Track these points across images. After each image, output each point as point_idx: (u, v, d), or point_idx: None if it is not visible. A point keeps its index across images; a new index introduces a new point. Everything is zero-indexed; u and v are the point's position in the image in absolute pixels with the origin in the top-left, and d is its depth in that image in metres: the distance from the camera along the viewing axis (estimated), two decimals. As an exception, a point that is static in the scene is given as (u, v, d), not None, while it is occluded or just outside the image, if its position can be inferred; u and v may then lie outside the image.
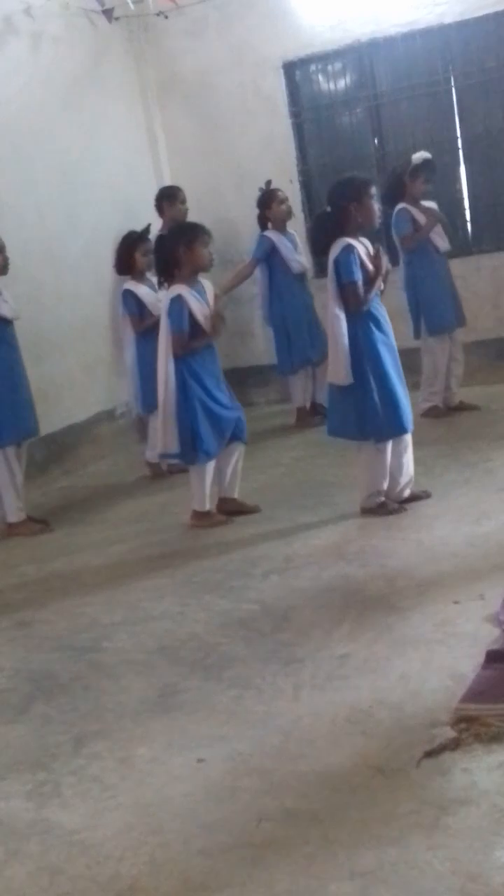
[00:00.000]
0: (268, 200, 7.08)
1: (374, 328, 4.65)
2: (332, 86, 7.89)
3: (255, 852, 2.40)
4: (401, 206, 6.45)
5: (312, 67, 7.86)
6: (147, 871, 2.40)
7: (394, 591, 3.88)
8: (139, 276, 6.42)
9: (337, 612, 3.77)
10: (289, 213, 7.08)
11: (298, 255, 7.06)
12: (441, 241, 6.49)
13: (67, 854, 2.53)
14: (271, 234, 7.04)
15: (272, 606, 3.93)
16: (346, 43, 7.55)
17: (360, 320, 4.63)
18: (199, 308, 4.89)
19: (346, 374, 4.61)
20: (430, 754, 2.68)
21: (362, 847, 2.36)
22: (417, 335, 6.47)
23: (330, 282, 4.63)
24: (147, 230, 6.56)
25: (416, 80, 7.50)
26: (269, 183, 7.14)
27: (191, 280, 4.91)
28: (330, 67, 7.83)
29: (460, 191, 7.57)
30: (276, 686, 3.24)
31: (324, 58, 7.74)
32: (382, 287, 4.71)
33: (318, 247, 4.83)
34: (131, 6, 6.71)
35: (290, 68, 7.84)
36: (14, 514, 5.46)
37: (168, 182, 7.91)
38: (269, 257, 6.99)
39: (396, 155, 7.65)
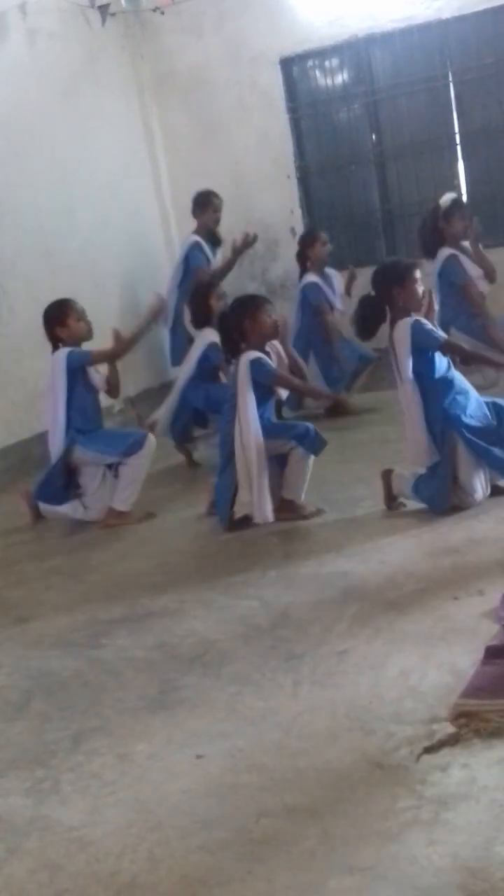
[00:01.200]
0: (311, 241, 7.04)
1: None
2: (329, 81, 7.88)
3: (255, 848, 2.40)
4: (448, 253, 6.35)
5: (310, 63, 7.86)
6: (147, 867, 2.40)
7: (393, 588, 3.88)
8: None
9: (336, 608, 3.76)
10: (329, 257, 7.03)
11: (336, 297, 7.08)
12: (483, 284, 6.43)
13: (67, 851, 2.52)
14: (315, 278, 7.01)
15: (271, 603, 3.93)
16: (344, 38, 7.56)
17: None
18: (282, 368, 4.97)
19: (429, 454, 4.56)
20: (429, 750, 2.68)
21: (362, 842, 2.35)
22: None
23: (402, 362, 4.53)
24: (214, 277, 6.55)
25: (413, 76, 7.50)
26: (309, 225, 7.15)
27: (260, 348, 4.90)
28: (327, 63, 7.83)
29: (458, 186, 7.57)
30: (275, 682, 3.23)
31: (321, 53, 7.75)
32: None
33: (366, 331, 4.72)
34: (123, 3, 6.70)
35: (288, 64, 7.84)
36: (126, 506, 5.40)
37: (165, 179, 7.91)
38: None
39: (394, 151, 7.66)
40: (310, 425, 4.92)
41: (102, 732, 3.10)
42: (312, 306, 6.93)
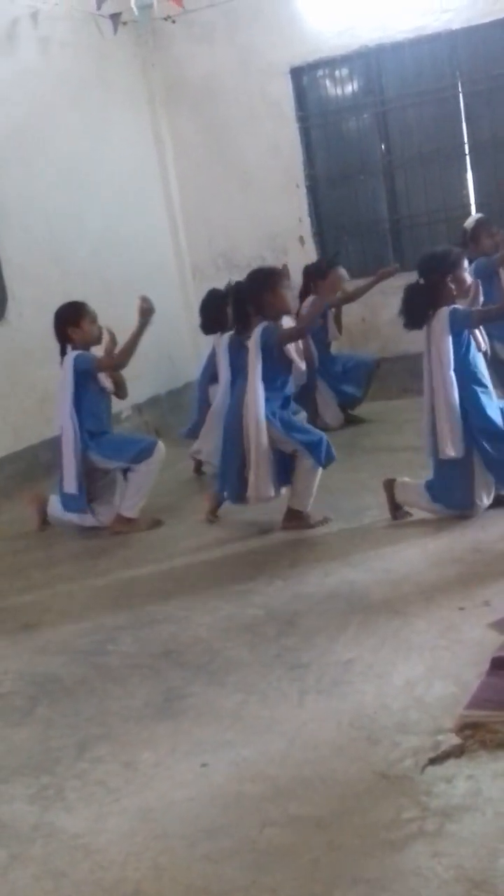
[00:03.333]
0: (325, 272, 7.04)
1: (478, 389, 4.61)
2: (339, 91, 7.91)
3: (259, 858, 2.40)
4: (481, 259, 6.28)
5: (319, 73, 7.89)
6: (151, 875, 2.40)
7: (399, 597, 3.87)
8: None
9: (342, 617, 3.76)
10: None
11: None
12: None
13: (71, 858, 2.52)
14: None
15: (277, 611, 3.93)
16: (354, 48, 7.58)
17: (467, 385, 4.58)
18: (293, 346, 4.87)
19: (460, 446, 4.53)
20: (434, 761, 2.67)
21: (366, 854, 2.35)
22: None
23: (441, 348, 4.53)
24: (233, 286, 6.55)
25: (423, 87, 7.52)
26: (332, 259, 7.22)
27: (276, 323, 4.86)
28: (337, 73, 7.86)
29: (467, 196, 7.58)
30: (280, 691, 3.23)
31: (331, 63, 7.77)
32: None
33: (414, 319, 4.65)
34: (135, 12, 6.73)
35: (298, 73, 7.87)
36: (133, 512, 5.41)
37: (175, 187, 7.93)
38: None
39: (403, 161, 7.67)
40: (323, 436, 4.90)
41: (107, 740, 3.10)
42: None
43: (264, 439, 4.76)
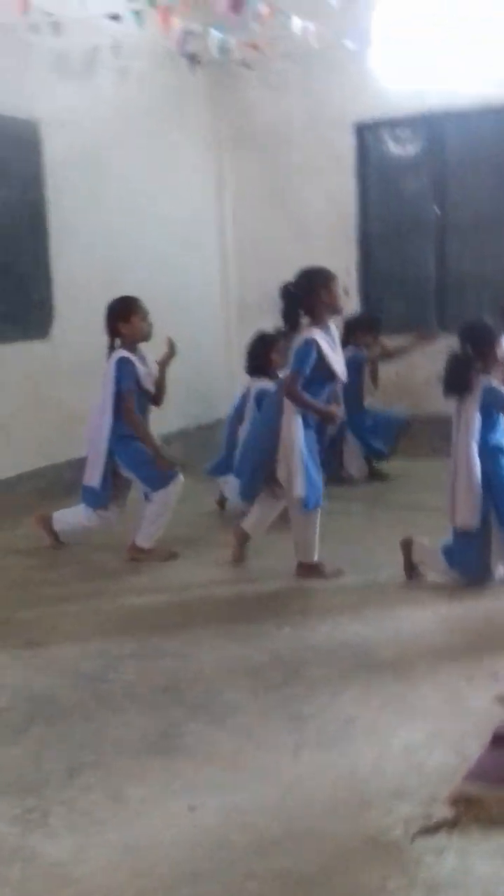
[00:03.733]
0: (373, 329, 7.17)
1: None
2: (400, 150, 7.99)
3: (239, 909, 2.36)
4: None
5: (384, 131, 7.99)
6: (127, 913, 2.36)
7: (406, 659, 3.83)
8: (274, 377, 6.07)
9: (347, 672, 3.72)
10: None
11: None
12: None
13: (48, 885, 2.49)
14: (358, 356, 7.12)
15: (283, 658, 3.89)
16: (420, 111, 7.67)
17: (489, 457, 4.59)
18: (332, 353, 4.82)
19: (477, 517, 4.53)
20: (426, 831, 2.62)
21: (348, 918, 2.30)
22: None
23: (470, 418, 4.56)
24: (280, 332, 6.61)
25: (483, 155, 7.59)
26: (373, 319, 7.34)
27: (323, 325, 4.84)
28: (401, 132, 7.95)
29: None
30: (279, 741, 3.20)
31: (396, 123, 7.88)
32: None
33: (457, 388, 4.63)
34: (214, 53, 6.87)
35: (362, 129, 7.97)
36: (148, 542, 5.39)
37: (230, 228, 8.02)
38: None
39: (457, 226, 7.72)
40: (318, 483, 4.84)
41: (99, 768, 3.07)
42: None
43: (300, 441, 4.73)
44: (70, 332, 6.68)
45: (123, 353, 5.31)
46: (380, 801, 2.79)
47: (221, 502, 6.37)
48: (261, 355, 6.12)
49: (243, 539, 5.17)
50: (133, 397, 5.29)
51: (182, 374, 7.26)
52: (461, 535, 4.60)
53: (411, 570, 4.76)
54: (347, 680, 3.65)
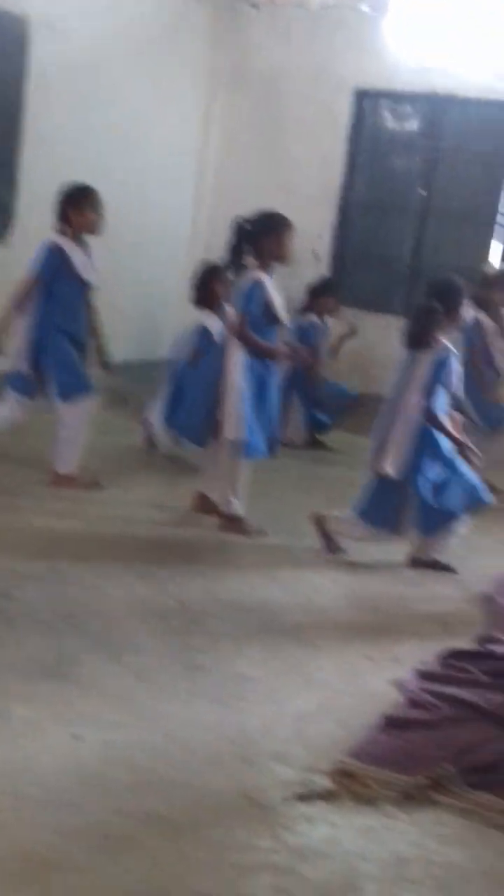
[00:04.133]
0: (328, 292, 7.14)
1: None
2: (397, 126, 7.91)
3: (106, 844, 2.35)
4: (473, 317, 6.29)
5: (384, 102, 7.88)
6: (-8, 831, 2.34)
7: (312, 628, 3.85)
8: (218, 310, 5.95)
9: (252, 630, 3.73)
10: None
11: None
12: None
13: None
14: (318, 323, 7.11)
15: (190, 607, 3.88)
16: (423, 90, 7.58)
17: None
18: (277, 298, 4.81)
19: (403, 467, 4.56)
20: (302, 798, 2.65)
21: (211, 870, 2.32)
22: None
23: (417, 376, 4.59)
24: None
25: (478, 146, 7.55)
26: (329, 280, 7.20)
27: (269, 270, 4.81)
28: (400, 108, 7.85)
29: (487, 262, 7.61)
30: (172, 686, 3.19)
31: (398, 97, 7.77)
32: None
33: (419, 341, 4.64)
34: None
35: (362, 96, 7.86)
36: (68, 467, 5.27)
37: (210, 169, 7.87)
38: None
39: (440, 211, 7.69)
40: (259, 433, 4.80)
41: (-13, 684, 3.03)
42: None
43: (239, 380, 4.70)
44: (32, 238, 6.46)
45: (56, 240, 5.11)
46: (261, 762, 2.81)
47: (150, 440, 6.28)
48: (205, 285, 6.03)
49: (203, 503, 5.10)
50: (41, 284, 5.09)
51: (138, 306, 7.18)
52: (379, 490, 4.63)
53: (330, 543, 4.77)
54: (250, 639, 3.65)
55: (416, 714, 3.16)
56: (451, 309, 4.68)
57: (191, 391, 5.30)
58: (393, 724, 3.08)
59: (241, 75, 8.09)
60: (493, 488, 6.32)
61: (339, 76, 7.81)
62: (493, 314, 6.38)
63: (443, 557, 4.74)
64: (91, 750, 2.73)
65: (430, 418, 4.60)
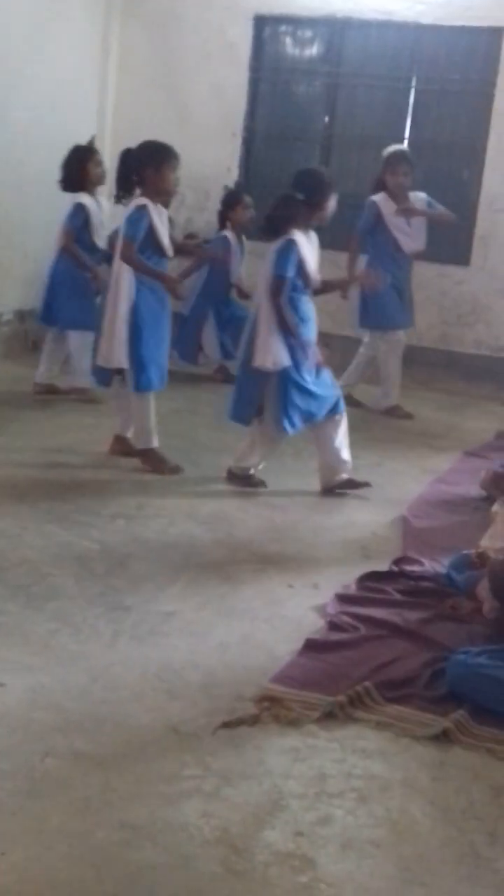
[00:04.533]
0: (234, 203, 6.99)
1: (299, 321, 4.63)
2: (297, 52, 7.80)
3: (34, 786, 2.39)
4: (371, 198, 6.39)
5: (283, 28, 7.76)
6: None
7: (234, 562, 3.91)
8: (92, 191, 6.13)
9: (174, 569, 3.77)
10: (249, 222, 6.93)
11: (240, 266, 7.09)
12: (406, 239, 6.46)
13: None
14: (229, 235, 7.03)
15: (112, 549, 3.90)
16: (322, 13, 7.48)
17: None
18: (162, 228, 4.75)
19: (278, 360, 4.55)
20: (227, 725, 2.72)
21: (139, 801, 2.38)
22: (362, 327, 6.54)
23: (267, 270, 4.58)
24: (92, 142, 6.37)
25: (379, 71, 7.50)
26: (238, 185, 7.06)
27: (154, 200, 4.76)
28: (300, 33, 7.74)
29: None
30: (95, 628, 3.22)
31: (297, 22, 7.66)
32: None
33: (274, 231, 4.63)
34: None
35: (261, 23, 7.72)
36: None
37: (110, 103, 7.68)
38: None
39: (344, 138, 7.64)
40: (149, 361, 4.80)
41: None
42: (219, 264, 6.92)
43: (125, 306, 4.70)
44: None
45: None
46: (187, 694, 2.87)
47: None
48: (75, 167, 5.99)
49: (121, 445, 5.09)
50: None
51: (30, 248, 7.00)
52: (244, 386, 4.71)
53: (250, 481, 4.80)
54: (173, 577, 3.70)
55: (335, 636, 3.25)
56: (315, 200, 4.60)
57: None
58: (313, 647, 3.17)
59: (136, 3, 7.87)
60: (403, 413, 6.52)
61: (236, 1, 7.64)
62: (391, 195, 6.42)
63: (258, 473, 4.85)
64: (15, 695, 2.76)
65: (275, 304, 4.56)
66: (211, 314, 7.01)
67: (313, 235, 4.74)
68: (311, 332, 4.69)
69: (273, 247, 4.60)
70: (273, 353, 4.56)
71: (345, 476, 4.82)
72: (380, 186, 6.41)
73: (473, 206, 7.36)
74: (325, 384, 4.71)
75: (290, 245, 4.55)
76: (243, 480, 4.80)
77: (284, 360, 4.57)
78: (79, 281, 6.00)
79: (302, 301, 4.65)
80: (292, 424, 4.61)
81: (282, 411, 4.58)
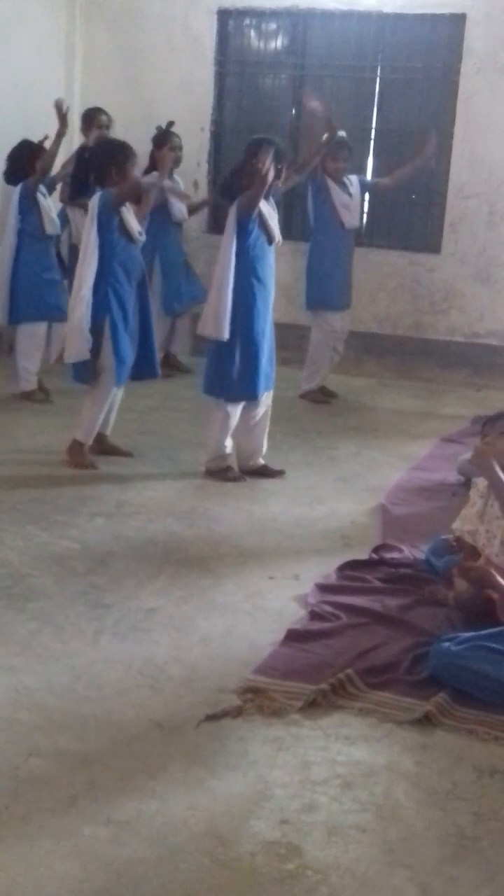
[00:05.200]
0: (162, 142, 6.88)
1: (256, 284, 4.65)
2: (262, 44, 7.79)
3: (18, 785, 2.40)
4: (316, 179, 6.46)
5: (247, 21, 7.75)
6: None
7: (214, 556, 3.92)
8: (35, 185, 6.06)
9: (155, 565, 3.78)
10: (177, 162, 6.89)
11: (181, 203, 6.96)
12: (350, 217, 6.53)
13: None
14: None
15: (92, 548, 3.91)
16: (285, 5, 7.47)
17: (245, 277, 4.62)
18: (129, 217, 4.77)
19: (223, 328, 4.59)
20: (211, 718, 2.73)
21: (125, 796, 2.39)
22: (309, 307, 6.57)
23: (227, 232, 4.61)
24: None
25: (344, 61, 7.50)
26: (170, 124, 6.97)
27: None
28: (264, 26, 7.73)
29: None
30: (77, 627, 3.23)
31: (260, 14, 7.64)
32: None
33: (227, 196, 4.71)
34: None
35: (225, 16, 7.70)
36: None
37: (77, 102, 7.63)
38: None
39: (310, 128, 7.63)
40: (126, 359, 4.80)
41: None
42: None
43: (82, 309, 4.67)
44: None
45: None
46: (170, 689, 2.88)
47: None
48: (22, 161, 5.98)
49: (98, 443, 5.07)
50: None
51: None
52: (213, 356, 4.71)
53: (230, 475, 4.82)
54: (154, 573, 3.71)
55: (316, 626, 3.27)
56: (254, 170, 4.56)
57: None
58: (295, 637, 3.18)
59: (99, 1, 7.83)
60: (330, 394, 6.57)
61: (200, -4, 7.63)
62: (331, 178, 6.47)
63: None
64: (-1, 697, 2.76)
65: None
66: (157, 264, 6.83)
67: (271, 200, 4.76)
68: (266, 301, 4.71)
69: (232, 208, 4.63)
70: (213, 321, 4.59)
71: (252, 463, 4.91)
72: (319, 170, 6.42)
73: (442, 193, 7.38)
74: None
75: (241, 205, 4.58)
76: (221, 474, 4.81)
77: (224, 332, 4.59)
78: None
79: (260, 262, 4.66)
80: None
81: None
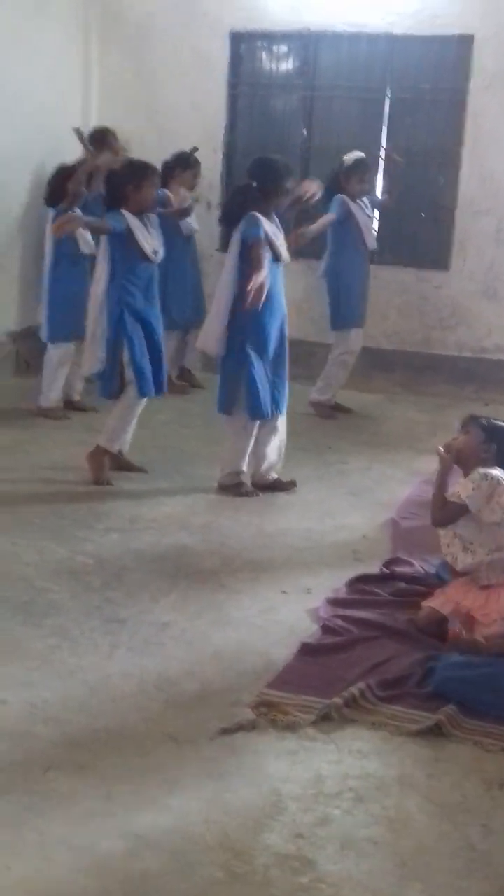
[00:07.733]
0: (188, 165, 7.01)
1: (264, 302, 4.68)
2: (273, 66, 7.88)
3: (36, 799, 2.44)
4: (339, 195, 6.51)
5: (259, 43, 7.84)
6: None
7: (227, 571, 3.96)
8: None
9: (168, 580, 3.82)
10: (193, 187, 7.05)
11: (190, 219, 7.06)
12: (371, 236, 6.64)
13: None
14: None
15: (107, 563, 3.95)
16: (296, 28, 7.56)
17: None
18: (144, 235, 4.85)
19: (218, 345, 4.71)
20: (225, 731, 2.77)
21: (141, 810, 2.42)
22: (335, 327, 6.63)
23: (231, 252, 4.71)
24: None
25: (353, 82, 7.58)
26: (194, 150, 7.10)
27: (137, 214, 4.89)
28: (275, 48, 7.82)
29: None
30: (93, 641, 3.27)
31: (271, 37, 7.73)
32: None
33: (232, 220, 4.79)
34: None
35: (237, 39, 7.79)
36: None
37: (94, 121, 7.74)
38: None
39: (322, 149, 7.72)
40: (147, 368, 4.88)
41: None
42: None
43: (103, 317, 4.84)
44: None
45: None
46: (184, 703, 2.92)
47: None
48: (59, 185, 6.14)
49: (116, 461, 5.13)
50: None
51: (18, 271, 7.06)
52: (227, 374, 4.78)
53: (246, 490, 4.87)
54: (168, 587, 3.75)
55: (329, 640, 3.31)
56: (269, 187, 4.70)
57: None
58: (308, 651, 3.22)
59: (115, 24, 7.92)
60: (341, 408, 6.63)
61: (212, 20, 7.71)
62: (350, 197, 6.55)
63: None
64: (16, 711, 2.80)
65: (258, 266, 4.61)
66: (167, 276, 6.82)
67: (275, 219, 4.82)
68: (274, 317, 4.78)
69: (237, 234, 4.69)
70: (210, 337, 4.72)
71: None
72: (338, 188, 6.50)
73: (451, 211, 7.44)
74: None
75: (253, 217, 4.66)
76: (234, 489, 4.86)
77: (220, 348, 4.72)
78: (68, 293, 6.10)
79: (267, 281, 4.69)
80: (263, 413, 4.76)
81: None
